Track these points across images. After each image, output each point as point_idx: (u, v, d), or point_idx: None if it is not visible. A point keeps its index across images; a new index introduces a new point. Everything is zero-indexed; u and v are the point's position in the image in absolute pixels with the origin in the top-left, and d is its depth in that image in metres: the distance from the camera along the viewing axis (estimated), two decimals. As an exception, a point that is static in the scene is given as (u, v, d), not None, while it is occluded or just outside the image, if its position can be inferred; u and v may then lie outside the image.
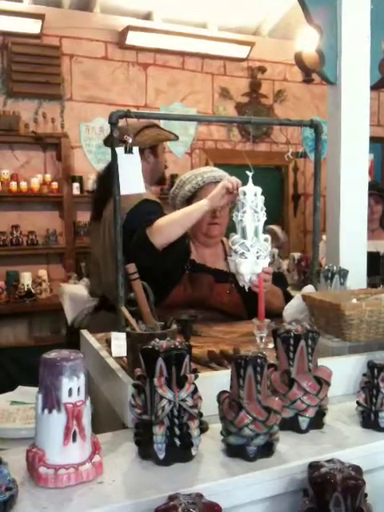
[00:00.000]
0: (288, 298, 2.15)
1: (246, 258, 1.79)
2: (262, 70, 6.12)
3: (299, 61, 2.16)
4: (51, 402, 1.03)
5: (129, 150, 1.78)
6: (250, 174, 1.85)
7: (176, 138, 3.15)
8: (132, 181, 1.80)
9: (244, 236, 1.81)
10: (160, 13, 5.49)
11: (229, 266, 2.27)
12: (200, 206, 2.02)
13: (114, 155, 1.80)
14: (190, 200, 2.29)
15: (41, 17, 4.97)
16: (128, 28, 5.28)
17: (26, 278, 4.95)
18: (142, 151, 3.02)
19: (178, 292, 2.18)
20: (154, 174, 2.75)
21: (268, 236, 1.85)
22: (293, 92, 6.28)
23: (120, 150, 1.79)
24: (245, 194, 1.82)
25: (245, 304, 2.22)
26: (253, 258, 1.79)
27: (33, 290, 4.94)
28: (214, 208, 2.09)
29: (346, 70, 2.05)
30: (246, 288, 1.86)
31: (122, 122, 1.85)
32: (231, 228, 2.10)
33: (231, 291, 2.23)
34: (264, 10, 5.73)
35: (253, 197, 1.82)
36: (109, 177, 2.24)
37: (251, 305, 2.10)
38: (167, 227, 2.04)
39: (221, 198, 1.97)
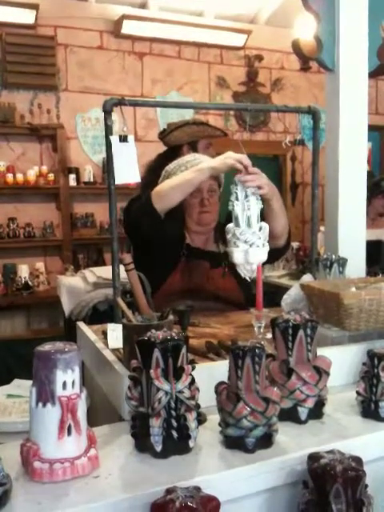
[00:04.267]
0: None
1: (237, 246, 1.78)
2: (259, 58, 6.07)
3: (297, 48, 2.12)
4: (45, 395, 1.01)
5: (123, 139, 1.75)
6: None
7: (223, 134, 3.14)
8: (127, 170, 1.77)
9: (237, 225, 1.79)
10: (156, 1, 5.43)
11: (220, 248, 2.27)
12: (201, 173, 1.98)
13: (109, 144, 1.77)
14: None
15: (35, 7, 4.91)
16: (123, 17, 5.23)
17: (24, 271, 4.95)
18: (180, 148, 3.03)
19: (174, 280, 2.17)
20: None
21: (263, 224, 1.82)
22: (290, 81, 6.23)
23: (114, 139, 1.76)
24: (236, 183, 1.80)
25: (241, 287, 2.22)
26: (244, 247, 1.78)
27: (30, 283, 4.93)
28: (215, 175, 2.08)
29: (345, 57, 2.02)
30: (248, 278, 1.84)
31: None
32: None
33: (226, 275, 2.22)
34: (261, -2, 5.69)
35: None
36: (158, 168, 2.33)
37: (247, 287, 2.08)
38: (169, 191, 2.02)
39: (225, 170, 1.96)
